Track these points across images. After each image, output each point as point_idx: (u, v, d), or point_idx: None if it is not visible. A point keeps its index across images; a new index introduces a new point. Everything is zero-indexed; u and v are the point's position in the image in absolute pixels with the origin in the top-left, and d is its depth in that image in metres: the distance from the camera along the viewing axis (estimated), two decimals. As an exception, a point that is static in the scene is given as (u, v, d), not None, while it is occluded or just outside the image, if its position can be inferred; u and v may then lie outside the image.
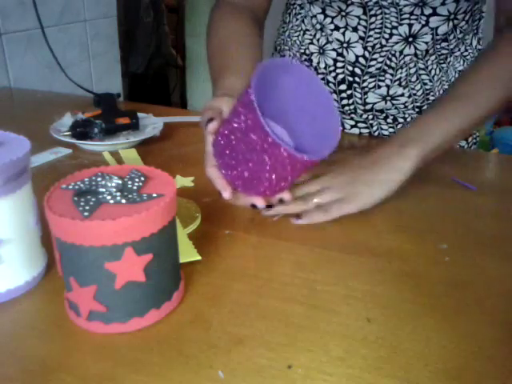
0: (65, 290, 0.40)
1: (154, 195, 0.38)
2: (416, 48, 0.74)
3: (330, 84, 0.81)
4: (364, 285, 0.45)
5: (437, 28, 0.72)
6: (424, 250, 0.51)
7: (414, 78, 0.77)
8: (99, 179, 0.40)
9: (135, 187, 0.40)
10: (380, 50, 0.74)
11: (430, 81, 0.78)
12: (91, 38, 1.47)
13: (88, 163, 0.71)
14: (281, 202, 0.53)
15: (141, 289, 0.38)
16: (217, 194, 0.53)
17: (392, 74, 0.76)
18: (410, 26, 0.71)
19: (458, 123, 0.59)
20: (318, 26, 0.78)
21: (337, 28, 0.75)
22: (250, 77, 0.46)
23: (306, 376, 0.35)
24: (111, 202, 0.37)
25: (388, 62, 0.75)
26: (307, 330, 0.39)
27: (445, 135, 0.58)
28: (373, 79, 0.77)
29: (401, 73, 0.76)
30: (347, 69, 0.78)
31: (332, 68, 0.79)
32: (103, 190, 0.39)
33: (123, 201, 0.38)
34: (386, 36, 0.73)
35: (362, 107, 0.81)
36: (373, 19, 0.72)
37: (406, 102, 0.79)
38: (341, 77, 0.79)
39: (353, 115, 0.84)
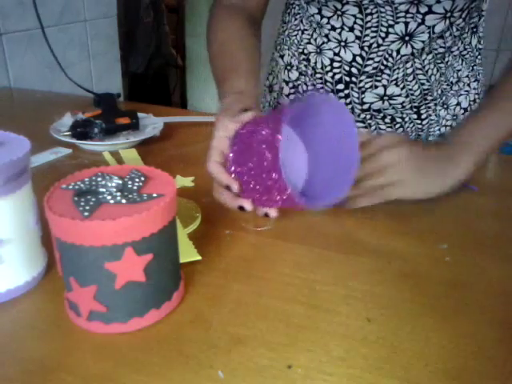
0: (65, 290, 0.40)
1: (154, 195, 0.38)
2: (413, 47, 0.74)
3: (328, 84, 0.81)
4: (364, 285, 0.45)
5: (433, 26, 0.72)
6: (424, 250, 0.51)
7: (410, 78, 0.77)
8: (99, 179, 0.40)
9: (135, 187, 0.40)
10: (377, 49, 0.74)
11: (428, 81, 0.78)
12: (91, 38, 1.47)
13: (88, 163, 0.71)
14: (266, 215, 0.52)
15: (141, 289, 0.38)
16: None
17: (389, 74, 0.76)
18: (406, 24, 0.71)
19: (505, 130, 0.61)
20: (316, 26, 0.79)
21: (333, 28, 0.76)
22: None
23: (307, 376, 0.35)
24: (111, 202, 0.37)
25: (385, 62, 0.75)
26: (307, 329, 0.39)
27: (497, 144, 0.61)
28: (370, 79, 0.77)
29: (398, 73, 0.76)
30: (344, 69, 0.78)
31: (329, 68, 0.79)
32: (103, 190, 0.39)
33: (123, 201, 0.38)
34: (383, 35, 0.73)
35: (359, 107, 0.81)
36: (369, 18, 0.72)
37: (403, 102, 0.79)
38: (338, 76, 0.79)
39: None
